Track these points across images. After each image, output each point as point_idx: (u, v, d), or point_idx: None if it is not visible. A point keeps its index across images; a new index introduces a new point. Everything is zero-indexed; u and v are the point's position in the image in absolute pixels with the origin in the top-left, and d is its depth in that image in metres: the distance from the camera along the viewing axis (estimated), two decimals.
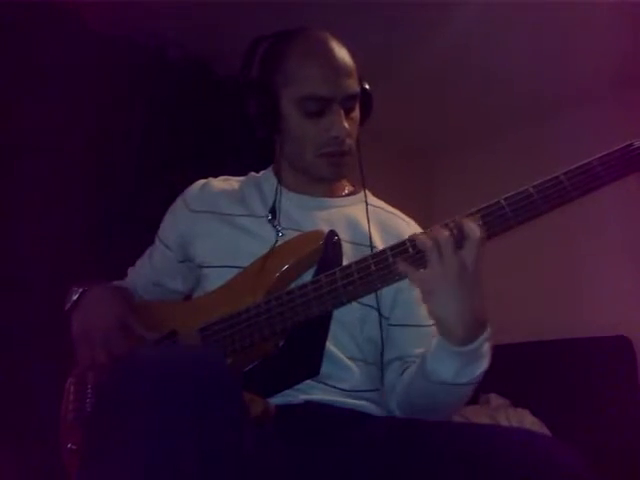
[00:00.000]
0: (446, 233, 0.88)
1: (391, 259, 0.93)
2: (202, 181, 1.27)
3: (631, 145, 0.86)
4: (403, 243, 0.94)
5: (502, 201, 0.90)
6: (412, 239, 0.92)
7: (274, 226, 1.13)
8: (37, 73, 2.10)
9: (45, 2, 2.14)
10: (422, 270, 0.90)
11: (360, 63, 1.14)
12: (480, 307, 0.90)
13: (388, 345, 1.13)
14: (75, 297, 1.16)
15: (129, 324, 1.08)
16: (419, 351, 1.10)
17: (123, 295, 1.19)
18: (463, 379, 0.94)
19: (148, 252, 1.31)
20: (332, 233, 1.08)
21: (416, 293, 1.14)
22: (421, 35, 2.64)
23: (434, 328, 1.15)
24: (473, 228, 0.87)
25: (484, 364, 0.96)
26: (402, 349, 1.11)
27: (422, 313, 1.14)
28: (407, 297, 1.14)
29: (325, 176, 1.16)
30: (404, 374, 1.08)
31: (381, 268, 0.93)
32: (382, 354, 1.11)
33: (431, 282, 0.89)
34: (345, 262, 1.02)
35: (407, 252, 0.93)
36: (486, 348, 0.95)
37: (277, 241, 1.09)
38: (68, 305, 1.16)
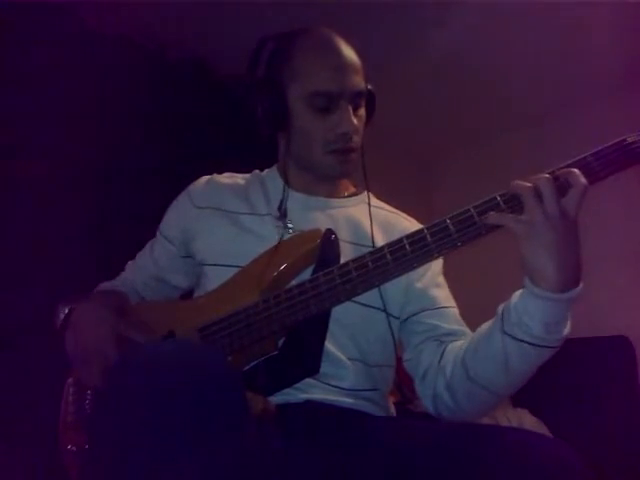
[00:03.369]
0: (546, 176, 0.86)
1: (389, 256, 0.93)
2: (207, 177, 1.27)
3: (625, 140, 0.87)
4: (400, 240, 0.93)
5: (498, 197, 0.89)
6: (504, 192, 0.89)
7: (284, 222, 1.13)
8: (37, 73, 2.09)
9: (45, 2, 2.13)
10: (519, 217, 0.86)
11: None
12: (578, 257, 0.87)
13: (412, 335, 1.12)
14: (62, 317, 1.13)
15: (123, 333, 1.06)
16: (449, 327, 1.10)
17: (115, 302, 1.16)
18: (551, 336, 0.88)
19: (149, 247, 1.30)
20: (329, 231, 1.08)
21: (427, 281, 1.14)
22: (420, 35, 2.64)
23: (456, 310, 1.14)
24: (577, 175, 0.85)
25: (568, 327, 0.90)
26: (431, 330, 1.10)
27: (439, 297, 1.15)
28: (418, 287, 1.13)
29: (333, 173, 1.15)
30: (448, 353, 1.05)
31: (379, 265, 0.93)
32: (396, 353, 1.11)
33: (529, 226, 0.85)
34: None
35: (404, 249, 0.92)
36: (569, 313, 0.90)
37: (282, 237, 1.09)
38: (58, 323, 1.14)
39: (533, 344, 0.89)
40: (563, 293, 0.86)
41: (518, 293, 0.92)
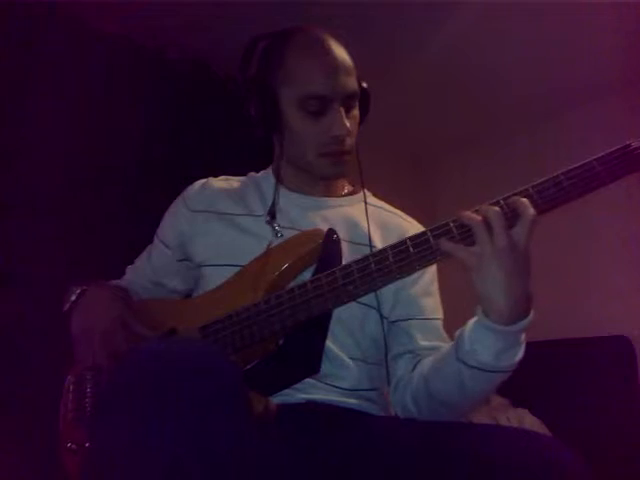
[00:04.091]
0: (496, 209, 0.87)
1: (392, 258, 0.93)
2: (202, 181, 1.27)
3: (629, 145, 0.87)
4: (403, 242, 0.93)
5: (501, 201, 0.89)
6: (456, 218, 0.90)
7: (272, 226, 1.13)
8: (37, 73, 2.09)
9: (45, 2, 2.14)
10: (469, 248, 0.88)
11: (359, 66, 1.14)
12: (527, 289, 0.88)
13: (394, 341, 1.12)
14: (74, 297, 1.15)
15: (128, 323, 1.08)
16: (428, 344, 1.11)
17: (121, 294, 1.18)
18: (502, 363, 0.91)
19: (147, 251, 1.31)
20: (331, 231, 1.08)
21: (419, 288, 1.15)
22: (421, 37, 2.64)
23: (440, 322, 1.15)
24: (526, 205, 0.86)
25: (521, 352, 0.92)
26: (410, 343, 1.11)
27: (427, 307, 1.15)
28: (409, 293, 1.14)
29: (327, 175, 1.16)
30: (419, 366, 1.07)
31: (381, 267, 0.93)
32: (386, 353, 1.11)
33: (479, 258, 0.86)
34: (344, 262, 1.02)
35: (408, 251, 0.92)
36: (524, 337, 0.92)
37: (273, 241, 1.09)
38: (67, 305, 1.15)
39: (484, 370, 0.92)
40: (512, 325, 0.88)
41: (472, 321, 0.93)
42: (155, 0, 2.26)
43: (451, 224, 0.91)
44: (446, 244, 0.90)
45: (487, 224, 0.86)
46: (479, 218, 0.87)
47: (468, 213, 0.89)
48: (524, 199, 0.87)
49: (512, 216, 0.87)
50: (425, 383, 1.02)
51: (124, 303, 1.13)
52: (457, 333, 0.97)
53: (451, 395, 0.99)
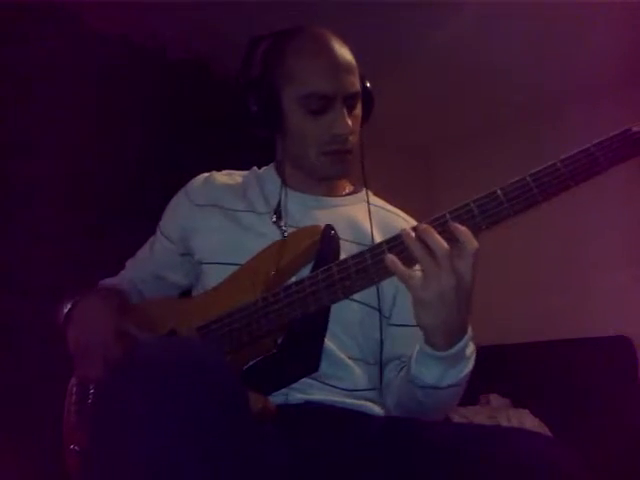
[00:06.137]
0: (443, 244, 0.84)
1: (387, 253, 0.93)
2: (205, 174, 1.27)
3: (629, 130, 0.86)
4: (399, 236, 0.91)
5: (499, 191, 0.87)
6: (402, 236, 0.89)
7: (279, 227, 1.12)
8: (36, 73, 2.10)
9: (45, 2, 2.14)
10: (415, 273, 0.87)
11: (359, 61, 1.14)
12: (466, 315, 0.89)
13: (388, 344, 1.12)
14: (67, 310, 1.14)
15: (125, 330, 1.06)
16: None
17: (116, 299, 1.16)
18: (447, 382, 0.94)
19: (148, 244, 1.30)
20: (329, 227, 1.07)
21: None
22: (421, 32, 2.64)
23: None
24: (469, 237, 0.84)
25: (469, 365, 0.95)
26: (401, 349, 1.11)
27: None
28: (405, 299, 1.13)
29: (329, 174, 1.15)
30: (399, 376, 1.08)
31: (378, 262, 0.92)
32: (381, 353, 1.11)
33: (425, 292, 0.85)
34: None
35: (403, 245, 0.91)
36: (470, 350, 0.94)
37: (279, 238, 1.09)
38: (61, 319, 1.14)
39: (435, 387, 0.95)
40: (450, 349, 0.90)
41: (419, 345, 0.94)
42: (155, 0, 2.26)
43: (447, 215, 0.89)
44: (393, 262, 0.88)
45: (436, 262, 0.84)
46: (425, 251, 0.85)
47: (415, 244, 0.86)
48: (464, 228, 0.85)
49: (456, 246, 0.85)
50: (398, 395, 1.06)
51: (118, 310, 1.11)
52: (410, 355, 0.99)
53: (415, 408, 1.02)
